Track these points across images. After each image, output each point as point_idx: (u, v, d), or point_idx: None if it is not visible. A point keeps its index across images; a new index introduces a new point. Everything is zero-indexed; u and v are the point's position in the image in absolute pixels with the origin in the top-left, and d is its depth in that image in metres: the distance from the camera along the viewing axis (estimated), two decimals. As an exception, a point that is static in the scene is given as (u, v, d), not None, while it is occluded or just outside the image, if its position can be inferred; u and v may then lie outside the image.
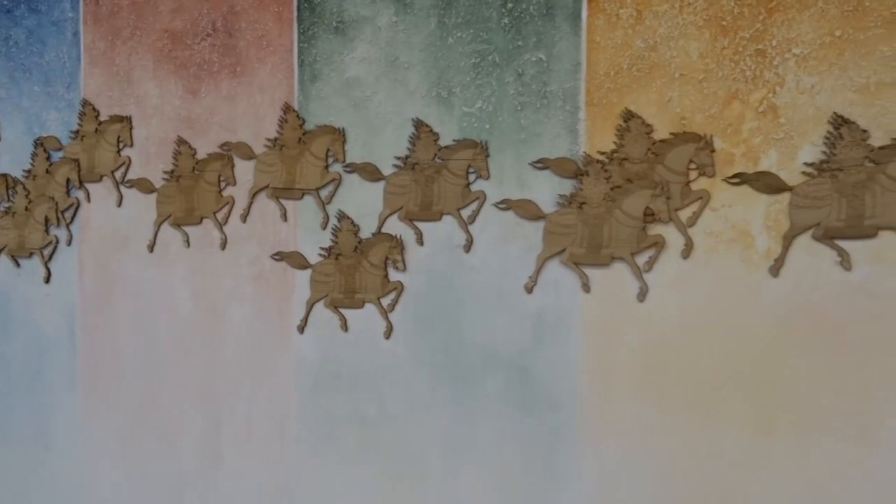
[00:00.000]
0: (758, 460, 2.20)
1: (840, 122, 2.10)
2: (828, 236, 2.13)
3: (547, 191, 2.41)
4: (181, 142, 2.94)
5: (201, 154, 2.91)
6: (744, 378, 2.22)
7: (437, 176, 2.54)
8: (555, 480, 2.42)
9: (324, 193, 2.70)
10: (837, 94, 2.11)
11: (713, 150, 2.23)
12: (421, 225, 2.57)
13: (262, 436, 2.84)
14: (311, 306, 2.73)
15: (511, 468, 2.48)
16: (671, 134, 2.27)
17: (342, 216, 2.66)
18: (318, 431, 2.74)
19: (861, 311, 2.11)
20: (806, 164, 2.14)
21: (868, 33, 2.08)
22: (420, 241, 2.57)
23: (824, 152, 2.12)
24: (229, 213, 2.86)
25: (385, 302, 2.62)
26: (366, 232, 2.65)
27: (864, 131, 2.09)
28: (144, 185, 3.02)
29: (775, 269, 2.18)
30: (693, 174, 2.25)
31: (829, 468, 2.14)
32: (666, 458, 2.30)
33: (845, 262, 2.12)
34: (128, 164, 3.06)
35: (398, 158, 2.59)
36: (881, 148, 2.07)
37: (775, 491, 2.19)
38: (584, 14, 2.35)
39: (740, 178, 2.20)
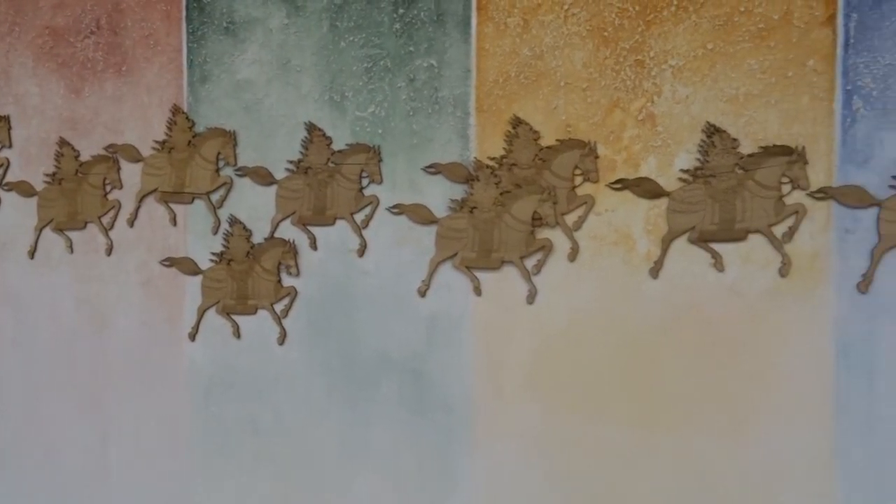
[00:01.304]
0: (640, 456, 2.29)
1: (712, 131, 2.21)
2: (702, 239, 2.23)
3: (439, 195, 2.43)
4: (63, 143, 2.81)
5: (85, 156, 2.80)
6: (627, 376, 2.30)
7: (330, 180, 2.52)
8: (448, 481, 2.45)
9: (215, 197, 2.65)
10: (710, 104, 2.22)
11: (597, 157, 2.30)
12: (314, 229, 2.55)
13: (151, 448, 2.75)
14: (203, 313, 2.67)
15: (405, 471, 2.49)
16: (557, 140, 2.33)
17: (234, 221, 2.61)
18: (211, 441, 2.68)
19: (732, 310, 2.23)
20: (682, 170, 2.24)
21: (737, 47, 2.19)
22: (313, 245, 2.55)
23: (698, 159, 2.23)
24: (115, 217, 2.76)
25: (278, 308, 2.59)
26: (258, 237, 2.61)
27: (735, 140, 2.20)
28: (24, 189, 2.88)
29: (655, 271, 2.27)
30: (578, 180, 2.32)
31: (705, 462, 2.25)
32: (554, 456, 2.36)
33: (718, 264, 2.23)
34: (6, 165, 2.91)
35: (291, 162, 2.57)
36: (749, 156, 2.19)
37: (656, 485, 2.28)
38: (474, 21, 2.39)
39: (622, 184, 2.28)
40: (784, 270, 2.18)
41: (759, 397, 2.21)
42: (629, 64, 2.27)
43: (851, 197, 2.13)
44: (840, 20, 2.12)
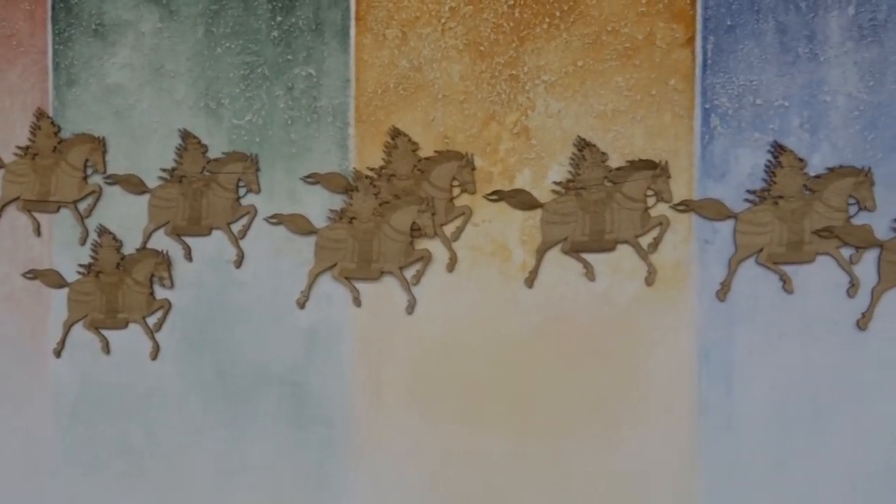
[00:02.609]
0: (517, 462, 2.33)
1: (583, 145, 2.29)
2: (574, 250, 2.30)
3: (318, 205, 2.41)
4: (-87, 147, 2.62)
5: (-62, 162, 2.61)
6: (504, 385, 2.34)
7: (205, 189, 2.46)
8: (328, 494, 2.42)
9: (82, 206, 2.52)
10: (581, 119, 2.30)
11: (474, 168, 2.34)
12: (189, 240, 2.48)
13: (13, 471, 2.58)
14: (69, 328, 2.53)
15: (284, 486, 2.44)
16: (436, 152, 2.35)
17: (103, 231, 2.50)
18: (79, 462, 2.54)
19: (603, 318, 2.31)
20: (555, 182, 2.31)
21: (605, 64, 2.28)
22: (188, 256, 2.47)
23: (570, 172, 2.30)
24: (-28, 227, 2.59)
25: (151, 321, 2.49)
26: (129, 248, 2.50)
27: (604, 154, 2.29)
28: None
29: (530, 281, 2.32)
30: (456, 191, 2.35)
31: (578, 466, 2.31)
32: (434, 465, 2.37)
33: (589, 273, 2.30)
34: None
35: (164, 170, 2.48)
36: (618, 169, 2.28)
37: (533, 490, 2.33)
38: (353, 32, 2.39)
39: (498, 195, 2.33)
40: (650, 279, 2.27)
41: (628, 401, 2.30)
42: (504, 78, 2.32)
43: (710, 210, 2.24)
44: (698, 42, 2.24)
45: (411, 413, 2.38)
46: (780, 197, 2.21)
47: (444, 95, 2.35)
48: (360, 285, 2.40)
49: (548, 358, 2.32)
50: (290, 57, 2.42)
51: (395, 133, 2.36)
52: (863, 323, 2.19)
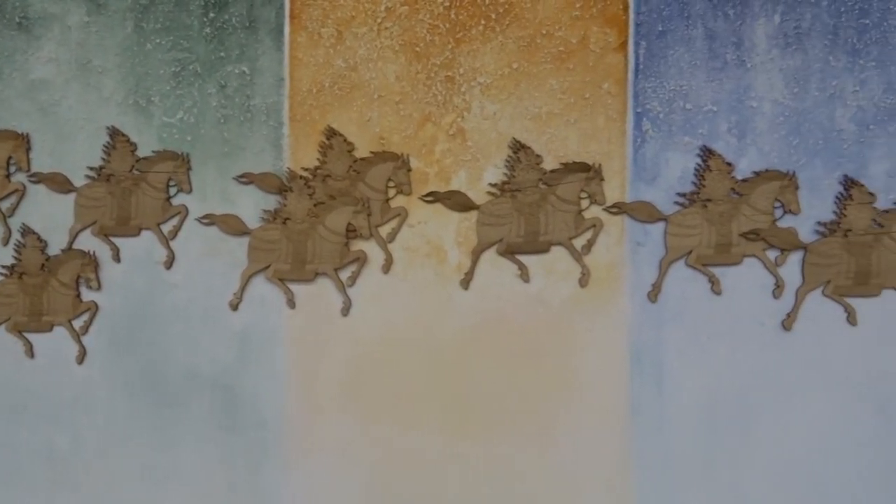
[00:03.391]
0: (452, 463, 2.33)
1: (518, 147, 2.30)
2: (509, 251, 2.31)
3: (251, 206, 2.37)
4: None
5: None
6: (439, 386, 2.33)
7: (134, 188, 2.39)
8: (262, 499, 2.38)
9: (5, 205, 2.44)
10: (516, 121, 2.30)
11: (410, 170, 2.33)
12: (117, 240, 2.41)
13: (-72, 481, 2.48)
14: (-10, 331, 2.45)
15: (216, 491, 2.39)
16: (371, 152, 2.33)
17: (26, 231, 2.42)
18: (1, 470, 2.45)
19: (538, 319, 2.32)
20: (490, 184, 2.31)
21: (540, 67, 2.29)
22: (116, 257, 2.41)
23: (505, 174, 2.31)
24: None
25: (77, 324, 2.42)
26: (54, 248, 2.42)
27: (538, 156, 2.30)
28: None
29: (465, 282, 2.32)
30: (392, 192, 2.34)
31: (513, 466, 2.32)
32: (370, 467, 2.35)
33: (524, 274, 2.31)
34: None
35: (91, 169, 2.41)
36: (552, 171, 2.29)
37: (469, 491, 2.33)
38: (287, 30, 2.36)
39: (434, 197, 2.32)
40: (583, 281, 2.29)
41: (562, 402, 2.32)
42: (440, 79, 2.32)
43: (642, 212, 2.28)
44: (631, 47, 2.27)
45: (346, 415, 2.36)
46: (709, 200, 2.25)
47: (379, 96, 2.34)
48: (294, 287, 2.36)
49: (483, 359, 2.32)
50: (222, 54, 2.37)
51: (331, 133, 2.34)
52: (788, 323, 2.25)
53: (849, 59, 2.21)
